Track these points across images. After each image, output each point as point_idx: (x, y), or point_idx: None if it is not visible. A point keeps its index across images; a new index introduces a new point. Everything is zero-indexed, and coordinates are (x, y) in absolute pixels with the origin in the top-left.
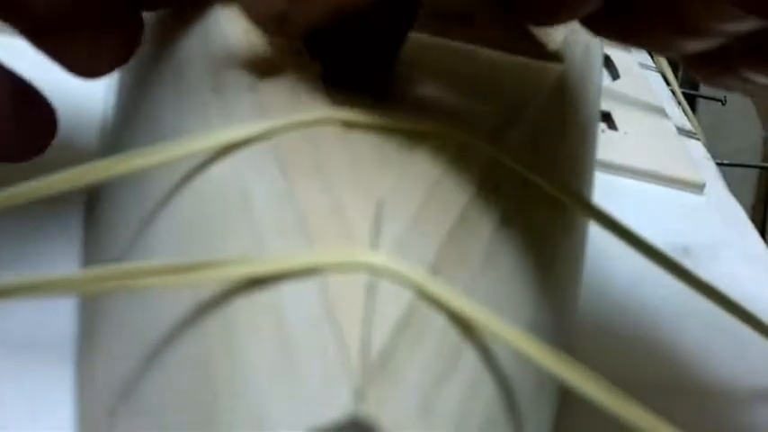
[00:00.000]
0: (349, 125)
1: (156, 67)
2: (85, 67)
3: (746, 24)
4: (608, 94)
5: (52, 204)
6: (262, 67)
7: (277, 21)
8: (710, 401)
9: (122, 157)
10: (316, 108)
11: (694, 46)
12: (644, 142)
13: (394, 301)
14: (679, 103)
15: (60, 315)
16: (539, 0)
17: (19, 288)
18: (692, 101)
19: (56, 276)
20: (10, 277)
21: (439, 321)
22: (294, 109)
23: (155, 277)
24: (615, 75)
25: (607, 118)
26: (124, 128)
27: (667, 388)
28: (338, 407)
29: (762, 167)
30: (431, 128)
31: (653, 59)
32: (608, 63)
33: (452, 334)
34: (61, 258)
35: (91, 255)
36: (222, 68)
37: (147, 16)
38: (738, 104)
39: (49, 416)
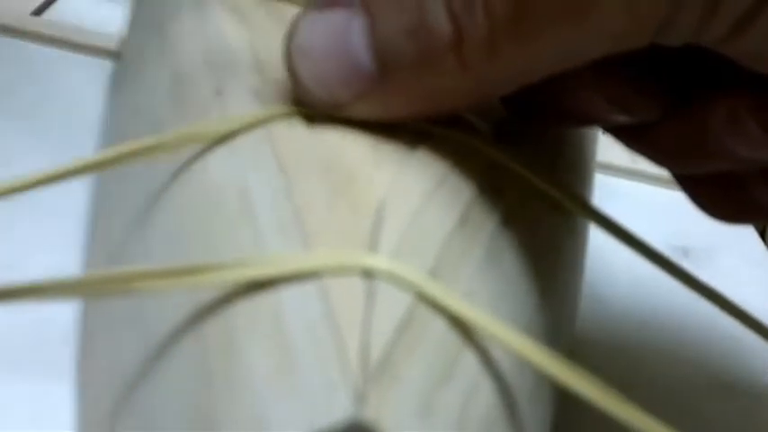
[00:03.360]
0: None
1: (155, 69)
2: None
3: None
4: None
5: (53, 204)
6: (265, 70)
7: (330, 106)
8: (712, 400)
9: (114, 150)
10: None
11: (711, 167)
12: None
13: (393, 303)
14: None
15: (60, 315)
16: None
17: (19, 291)
18: None
19: (55, 279)
20: (10, 278)
21: (438, 324)
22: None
23: (155, 281)
24: None
25: None
26: (122, 133)
27: (668, 388)
28: (338, 409)
29: None
30: (432, 127)
31: None
32: None
33: (452, 337)
34: (62, 257)
35: (92, 253)
36: (224, 71)
37: None
38: None
39: (49, 416)
